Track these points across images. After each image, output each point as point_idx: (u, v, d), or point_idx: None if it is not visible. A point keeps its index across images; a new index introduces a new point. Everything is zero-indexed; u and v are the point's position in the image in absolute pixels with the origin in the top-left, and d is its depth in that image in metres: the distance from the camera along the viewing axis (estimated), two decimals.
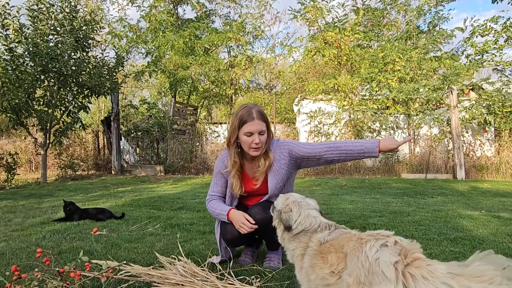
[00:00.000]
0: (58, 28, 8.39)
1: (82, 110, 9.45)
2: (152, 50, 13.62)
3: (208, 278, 1.99)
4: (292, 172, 2.46)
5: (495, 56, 11.56)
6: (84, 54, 9.06)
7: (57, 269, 1.96)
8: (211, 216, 2.53)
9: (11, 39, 7.79)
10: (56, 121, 8.97)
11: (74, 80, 8.65)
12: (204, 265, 2.18)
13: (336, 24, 12.42)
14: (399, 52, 10.77)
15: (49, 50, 8.01)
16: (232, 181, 2.41)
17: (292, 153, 2.35)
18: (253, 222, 2.26)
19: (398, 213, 4.29)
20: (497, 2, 8.90)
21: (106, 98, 13.11)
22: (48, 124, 8.76)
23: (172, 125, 11.67)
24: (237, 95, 15.11)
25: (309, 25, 12.51)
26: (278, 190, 2.36)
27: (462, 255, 2.62)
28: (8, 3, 7.72)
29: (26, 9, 8.04)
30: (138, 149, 12.03)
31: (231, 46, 14.17)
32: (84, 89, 9.11)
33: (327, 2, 12.27)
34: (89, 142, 12.91)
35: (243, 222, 2.27)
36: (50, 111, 8.65)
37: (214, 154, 11.23)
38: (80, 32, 8.72)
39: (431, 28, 12.94)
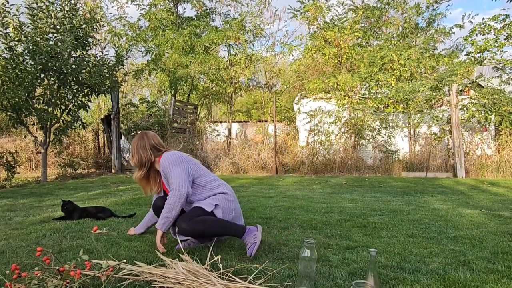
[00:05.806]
0: (58, 27, 8.37)
1: (82, 109, 9.43)
2: (152, 48, 13.59)
3: (209, 277, 1.99)
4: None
5: (496, 54, 11.53)
6: (84, 52, 9.03)
7: (57, 267, 1.96)
8: None
9: (10, 37, 7.76)
10: (56, 119, 8.96)
11: (74, 79, 8.63)
12: (205, 263, 2.19)
13: (335, 23, 12.39)
14: (397, 51, 10.75)
15: (49, 49, 7.99)
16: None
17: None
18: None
19: (398, 212, 4.30)
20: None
21: (106, 96, 13.09)
22: (48, 123, 8.75)
23: (172, 124, 11.66)
24: (237, 94, 15.11)
25: (309, 23, 12.49)
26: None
27: (462, 254, 2.62)
28: (7, 2, 7.70)
29: (25, 7, 8.02)
30: None
31: (230, 45, 14.15)
32: (84, 88, 9.10)
33: (325, 0, 12.24)
34: (89, 141, 12.90)
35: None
36: (50, 109, 8.64)
37: (214, 153, 11.22)
38: (80, 31, 8.70)
39: (428, 25, 12.90)
